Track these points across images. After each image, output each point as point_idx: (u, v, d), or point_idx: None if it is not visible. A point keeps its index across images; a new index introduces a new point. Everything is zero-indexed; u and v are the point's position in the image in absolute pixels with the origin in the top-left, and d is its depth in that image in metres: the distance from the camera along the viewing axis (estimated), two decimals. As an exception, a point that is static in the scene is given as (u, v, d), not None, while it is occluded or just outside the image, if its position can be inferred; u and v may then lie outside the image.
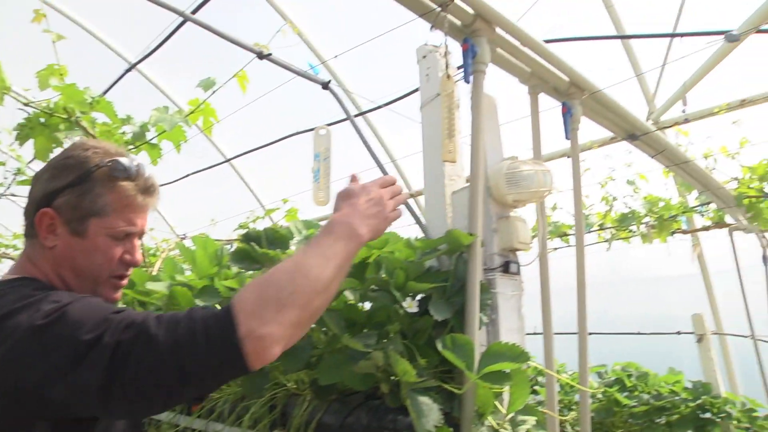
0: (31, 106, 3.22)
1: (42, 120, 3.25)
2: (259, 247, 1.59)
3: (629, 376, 4.54)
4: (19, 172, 5.29)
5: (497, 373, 1.43)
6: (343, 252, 1.20)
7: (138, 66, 4.80)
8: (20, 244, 7.97)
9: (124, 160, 1.29)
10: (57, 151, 3.42)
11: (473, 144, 1.69)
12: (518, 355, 1.45)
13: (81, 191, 1.26)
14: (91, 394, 1.00)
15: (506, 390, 1.59)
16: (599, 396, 4.46)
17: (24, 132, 3.30)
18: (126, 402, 1.01)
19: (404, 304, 1.50)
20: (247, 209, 5.67)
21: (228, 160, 6.09)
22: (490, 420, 1.50)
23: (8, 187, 5.51)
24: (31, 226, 1.30)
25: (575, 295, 2.21)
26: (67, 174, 1.27)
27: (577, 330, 2.18)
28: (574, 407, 4.49)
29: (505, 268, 1.77)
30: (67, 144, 3.42)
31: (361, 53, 4.18)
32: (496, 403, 1.54)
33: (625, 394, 4.41)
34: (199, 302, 1.82)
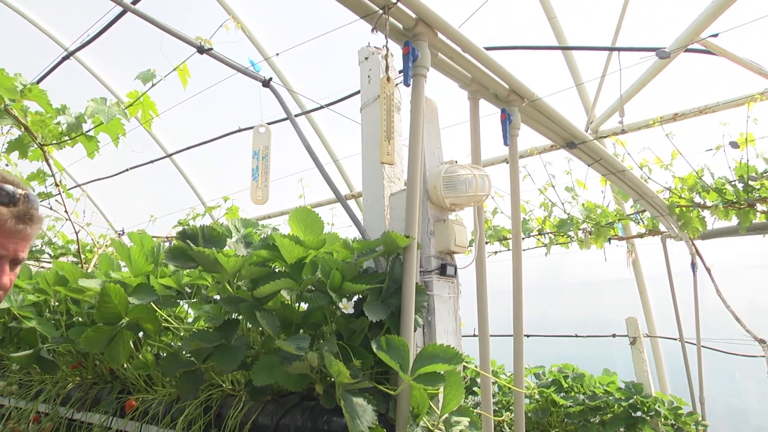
0: (-42, 91, 3.08)
1: (-32, 108, 3.12)
2: (195, 245, 1.56)
3: (566, 377, 4.65)
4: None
5: (431, 374, 1.44)
6: None
7: (76, 54, 4.65)
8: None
9: (2, 186, 1.34)
10: (-10, 139, 3.29)
11: (412, 147, 1.70)
12: (452, 356, 1.46)
13: None
14: None
15: (441, 391, 1.60)
16: (536, 396, 4.56)
17: (-52, 118, 3.16)
18: None
19: (340, 305, 1.50)
20: (187, 206, 5.57)
21: (169, 156, 5.96)
22: (425, 421, 1.52)
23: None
24: None
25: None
26: None
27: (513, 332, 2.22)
28: (512, 407, 4.58)
29: (442, 270, 1.79)
30: (-2, 132, 3.29)
31: (305, 52, 4.17)
32: (431, 404, 1.55)
33: (562, 394, 4.53)
34: (133, 300, 1.77)
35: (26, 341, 2.50)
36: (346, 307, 1.50)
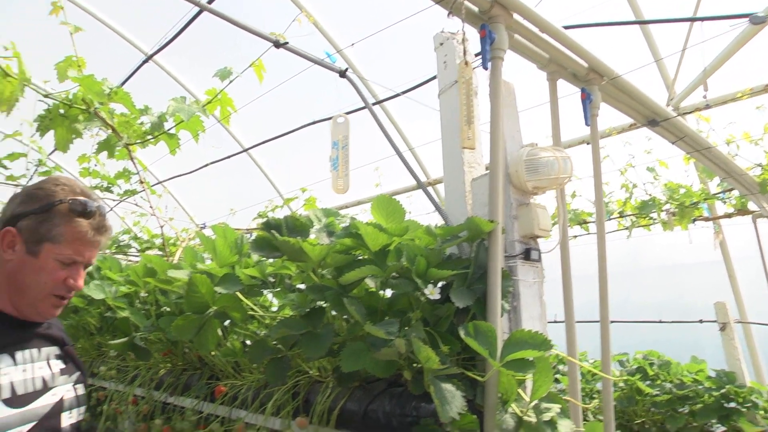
0: (51, 98, 3.24)
1: (62, 111, 3.28)
2: (280, 235, 1.59)
3: (651, 364, 4.50)
4: (40, 163, 5.34)
5: (520, 360, 1.42)
6: None
7: (154, 57, 4.82)
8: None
9: (84, 200, 1.53)
10: (77, 142, 3.46)
11: (492, 130, 1.67)
12: (541, 342, 1.44)
13: (42, 219, 1.50)
14: None
15: (529, 378, 1.58)
16: (621, 384, 4.43)
17: (44, 123, 3.33)
18: None
19: (426, 291, 1.49)
20: (265, 198, 5.69)
21: (245, 150, 6.10)
22: (514, 407, 1.49)
23: (30, 179, 5.58)
24: None
25: (595, 283, 2.19)
26: (34, 202, 1.51)
27: (599, 318, 2.16)
28: (595, 395, 4.47)
29: (526, 255, 1.76)
30: (86, 135, 3.44)
31: (377, 41, 4.17)
32: (520, 390, 1.53)
33: (647, 382, 4.38)
34: (220, 290, 1.82)
35: (121, 330, 2.62)
36: (432, 293, 1.49)
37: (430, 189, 2.31)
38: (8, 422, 1.42)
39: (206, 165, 5.72)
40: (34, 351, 1.57)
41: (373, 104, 4.36)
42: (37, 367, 1.57)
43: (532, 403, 1.51)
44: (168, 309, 2.59)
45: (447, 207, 1.88)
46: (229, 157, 5.96)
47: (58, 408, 1.58)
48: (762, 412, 3.97)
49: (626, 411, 4.39)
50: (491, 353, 1.41)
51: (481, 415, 1.48)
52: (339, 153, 1.73)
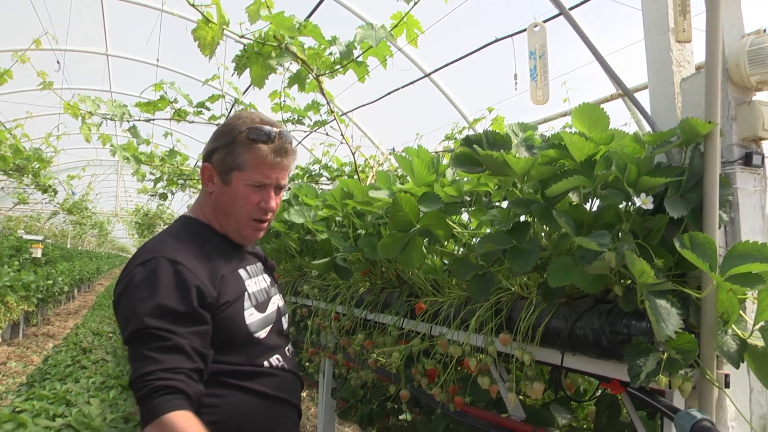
0: (246, 38, 3.44)
1: (256, 50, 3.47)
2: (482, 149, 1.58)
3: None
4: (237, 102, 5.76)
5: (745, 275, 1.31)
6: None
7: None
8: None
9: (260, 126, 1.65)
10: (272, 78, 3.66)
11: (709, 18, 1.50)
12: (769, 255, 1.31)
13: (228, 150, 1.66)
14: None
15: (750, 298, 1.46)
16: None
17: (241, 63, 3.56)
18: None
19: (638, 200, 1.41)
20: (448, 122, 5.70)
21: (427, 75, 6.10)
22: (735, 329, 1.39)
23: (227, 117, 6.05)
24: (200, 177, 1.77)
25: None
26: (221, 138, 1.69)
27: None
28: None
29: (747, 160, 1.59)
30: (278, 69, 3.64)
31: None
32: (741, 311, 1.42)
33: None
34: (422, 207, 1.87)
35: (322, 251, 2.80)
36: (645, 202, 1.41)
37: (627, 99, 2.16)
38: (258, 324, 1.66)
39: (389, 93, 5.82)
40: (253, 266, 1.80)
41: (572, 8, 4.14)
42: (260, 279, 1.78)
43: (758, 325, 1.39)
44: (364, 231, 2.72)
45: (653, 112, 1.74)
46: (411, 83, 6.00)
47: (280, 313, 1.82)
48: None
49: None
50: (711, 266, 1.32)
51: (697, 336, 1.40)
52: (537, 62, 1.67)
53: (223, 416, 1.55)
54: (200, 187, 1.80)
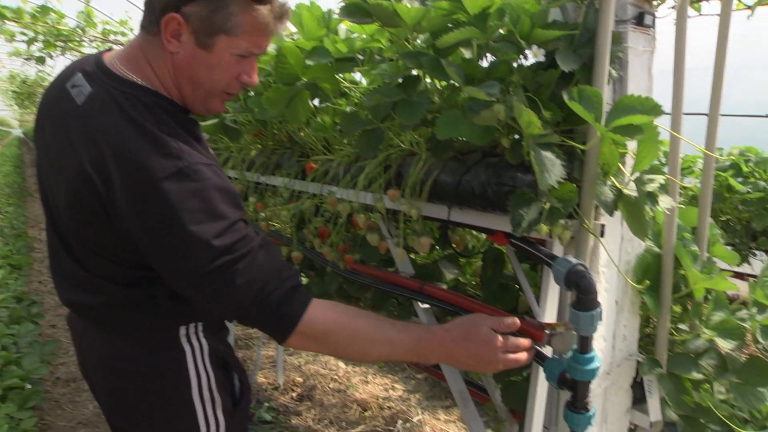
0: None
1: None
2: None
3: (747, 161, 4.30)
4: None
5: (628, 126, 1.34)
6: (405, 358, 1.51)
7: None
8: (127, 31, 8.14)
9: None
10: None
11: None
12: (651, 107, 1.35)
13: (215, 6, 1.27)
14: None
15: (630, 153, 1.51)
16: (711, 181, 4.29)
17: None
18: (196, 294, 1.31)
19: (530, 51, 1.40)
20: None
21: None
22: (614, 180, 1.44)
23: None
24: (153, 24, 1.32)
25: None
26: None
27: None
28: (681, 191, 4.34)
29: (639, 19, 1.59)
30: None
31: None
32: (620, 165, 1.47)
33: (740, 179, 4.23)
34: (309, 61, 1.78)
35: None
36: (537, 54, 1.39)
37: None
38: None
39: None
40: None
41: None
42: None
43: (634, 175, 1.45)
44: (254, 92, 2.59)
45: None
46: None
47: None
48: None
49: (713, 208, 4.28)
50: (596, 118, 1.33)
51: (579, 188, 1.44)
52: None
53: None
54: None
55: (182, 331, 1.47)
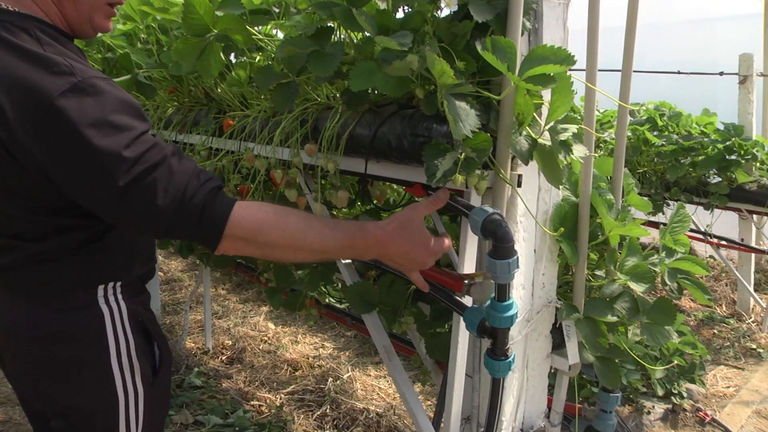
0: None
1: None
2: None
3: (662, 115, 4.45)
4: None
5: (541, 75, 1.34)
6: (341, 256, 1.55)
7: None
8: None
9: None
10: None
11: None
12: (564, 57, 1.35)
13: None
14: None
15: (545, 103, 1.52)
16: (628, 134, 4.42)
17: None
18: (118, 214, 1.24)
19: (444, 2, 1.37)
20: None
21: None
22: (529, 130, 1.45)
23: None
24: None
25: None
26: None
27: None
28: (601, 145, 4.45)
29: (553, -30, 1.60)
30: None
31: None
32: (535, 115, 1.47)
33: (655, 133, 4.37)
34: (220, 13, 1.70)
35: (123, 67, 2.53)
36: (449, 4, 1.37)
37: None
38: None
39: None
40: None
41: None
42: None
43: (548, 125, 1.46)
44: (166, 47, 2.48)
45: None
46: None
47: None
48: (758, 164, 4.00)
49: (630, 160, 4.44)
50: (510, 68, 1.33)
51: (495, 139, 1.44)
52: None
53: None
54: None
55: (100, 291, 1.38)
